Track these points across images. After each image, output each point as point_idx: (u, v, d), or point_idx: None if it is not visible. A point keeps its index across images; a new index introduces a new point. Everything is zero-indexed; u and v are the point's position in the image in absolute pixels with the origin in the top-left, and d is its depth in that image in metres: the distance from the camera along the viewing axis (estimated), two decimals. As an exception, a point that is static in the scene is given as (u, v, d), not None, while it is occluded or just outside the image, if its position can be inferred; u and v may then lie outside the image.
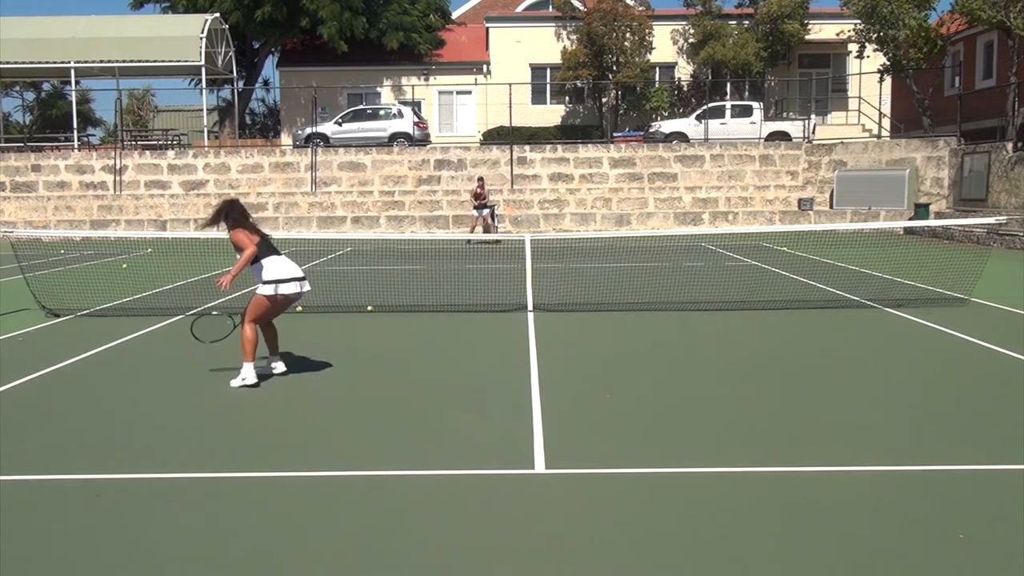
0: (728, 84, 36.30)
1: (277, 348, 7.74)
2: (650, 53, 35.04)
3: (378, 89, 37.46)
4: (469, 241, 20.81)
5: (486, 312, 11.26)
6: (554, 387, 7.21)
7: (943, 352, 8.87)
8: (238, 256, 7.38)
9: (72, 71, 32.56)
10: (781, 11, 34.01)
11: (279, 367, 7.67)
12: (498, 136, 32.43)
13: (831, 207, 27.79)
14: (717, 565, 3.96)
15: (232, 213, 7.49)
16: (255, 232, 7.49)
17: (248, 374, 7.34)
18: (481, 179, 25.45)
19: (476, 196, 24.21)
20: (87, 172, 29.85)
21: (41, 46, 31.96)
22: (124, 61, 31.88)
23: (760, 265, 16.76)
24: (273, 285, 7.32)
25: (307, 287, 7.51)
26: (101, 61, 31.97)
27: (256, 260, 7.35)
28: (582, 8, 35.93)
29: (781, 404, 6.77)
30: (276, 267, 7.37)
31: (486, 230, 23.44)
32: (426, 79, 37.08)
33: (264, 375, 7.52)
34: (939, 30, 29.05)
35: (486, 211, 23.97)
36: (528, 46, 37.05)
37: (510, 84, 31.78)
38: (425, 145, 31.37)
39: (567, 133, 34.61)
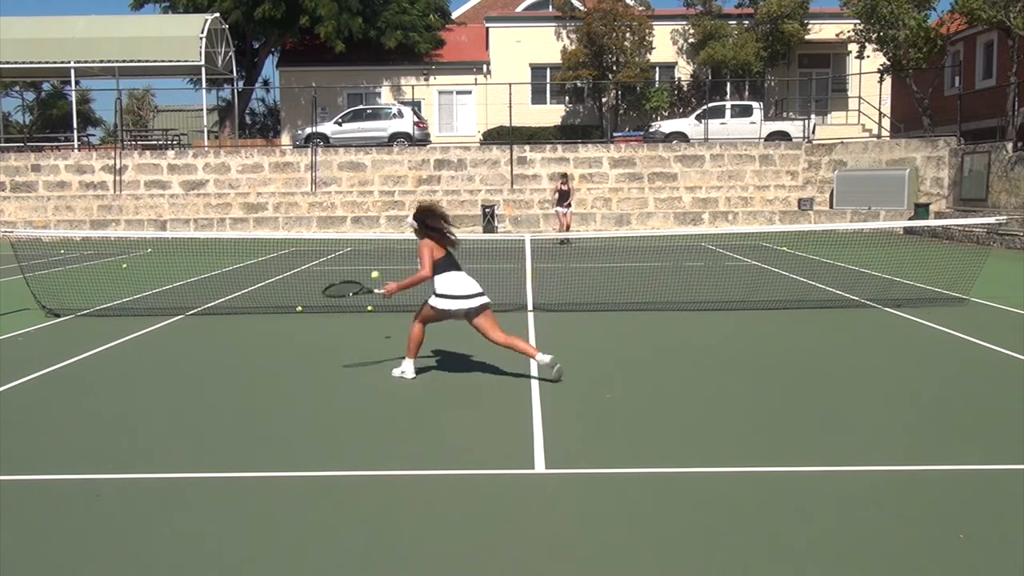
0: (728, 84, 36.30)
1: (531, 351, 7.51)
2: (650, 53, 35.05)
3: (378, 89, 37.48)
4: (562, 241, 20.54)
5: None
6: (554, 387, 7.20)
7: (942, 352, 8.86)
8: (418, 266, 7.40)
9: (72, 71, 32.57)
10: (781, 11, 34.02)
11: (553, 373, 7.39)
12: (498, 136, 32.43)
13: (831, 207, 27.79)
14: (717, 565, 3.96)
15: (425, 222, 7.37)
16: (443, 245, 7.40)
17: (408, 368, 7.63)
18: (564, 175, 24.43)
19: (560, 193, 23.37)
20: (87, 172, 29.86)
21: (41, 46, 31.96)
22: (124, 61, 31.90)
23: (760, 265, 16.76)
24: (442, 299, 7.35)
25: (474, 303, 7.32)
26: (101, 61, 31.98)
27: (434, 274, 7.37)
28: (582, 8, 35.94)
29: (781, 404, 6.77)
30: (450, 283, 7.35)
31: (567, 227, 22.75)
32: (426, 79, 37.08)
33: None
34: (939, 30, 29.05)
35: (568, 208, 23.27)
36: (528, 46, 37.05)
37: (510, 84, 31.78)
38: (425, 145, 31.37)
39: (567, 133, 34.60)
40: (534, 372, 7.77)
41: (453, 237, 7.47)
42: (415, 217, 7.45)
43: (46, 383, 7.65)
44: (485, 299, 7.42)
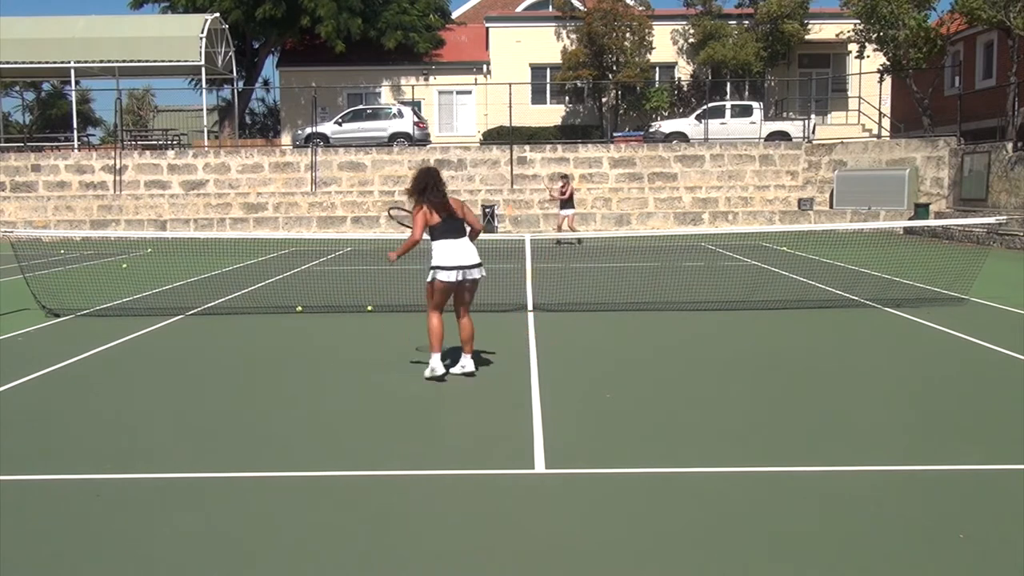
0: (728, 84, 36.30)
1: (467, 346, 7.47)
2: (650, 53, 35.04)
3: (378, 89, 37.47)
4: (559, 242, 20.26)
5: (486, 312, 11.24)
6: (554, 387, 7.20)
7: (942, 352, 8.87)
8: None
9: (72, 71, 32.56)
10: (781, 11, 34.01)
11: (466, 366, 7.42)
12: (498, 136, 32.42)
13: (831, 207, 27.79)
14: (717, 565, 3.95)
15: (420, 187, 7.17)
16: (439, 211, 7.16)
17: (435, 365, 7.27)
18: (565, 176, 23.78)
19: (561, 194, 22.71)
20: (87, 172, 29.85)
21: (41, 46, 31.95)
22: (124, 61, 31.88)
23: (760, 265, 16.76)
24: (432, 271, 7.19)
25: (473, 275, 7.22)
26: (101, 61, 31.97)
27: (433, 240, 7.20)
28: (582, 8, 35.93)
29: (780, 404, 6.77)
30: (441, 253, 7.16)
31: (569, 228, 22.34)
32: (426, 79, 37.07)
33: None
34: (939, 30, 29.05)
35: (571, 211, 22.73)
36: (528, 46, 37.04)
37: (510, 84, 31.78)
38: (425, 145, 31.37)
39: (567, 133, 34.59)
40: (534, 372, 7.78)
41: (444, 210, 7.19)
42: (412, 186, 7.23)
43: (46, 383, 7.65)
44: (479, 272, 7.30)
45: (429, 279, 7.26)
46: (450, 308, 7.51)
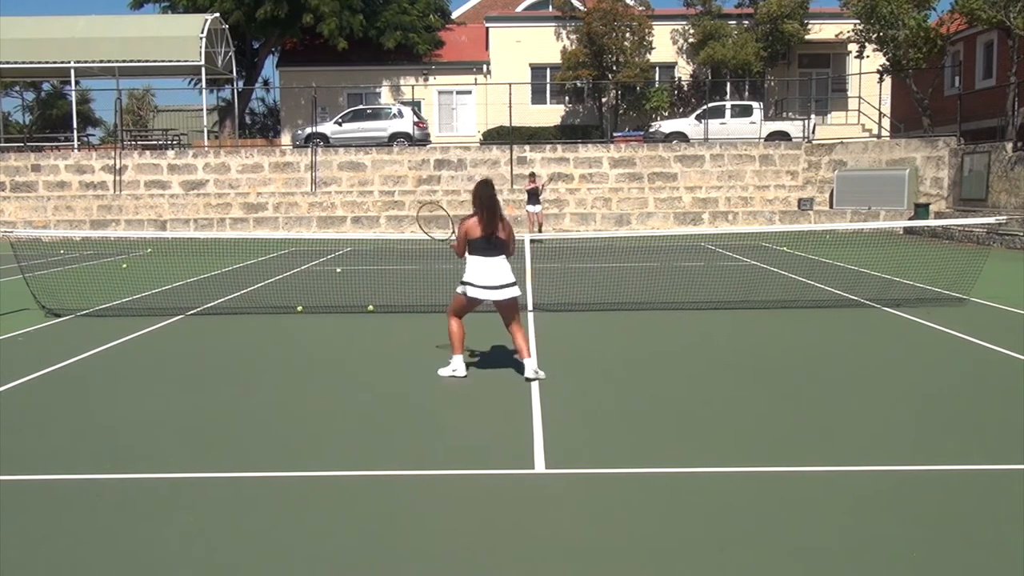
0: (728, 84, 36.31)
1: (524, 351, 7.43)
2: (650, 53, 35.06)
3: (378, 89, 37.48)
4: (541, 241, 20.47)
5: (486, 312, 11.23)
6: (554, 387, 7.20)
7: (942, 352, 8.86)
8: None
9: (72, 71, 32.58)
10: (781, 11, 34.03)
11: (528, 371, 7.35)
12: (498, 136, 32.43)
13: (831, 207, 27.80)
14: (717, 565, 3.95)
15: (486, 202, 7.27)
16: (483, 226, 7.25)
17: (457, 365, 7.51)
18: (533, 174, 24.45)
19: (529, 193, 23.19)
20: (87, 172, 29.87)
21: (41, 46, 31.98)
22: (124, 61, 31.92)
23: (760, 265, 16.76)
24: (463, 286, 7.39)
25: (504, 295, 7.31)
26: (101, 61, 31.99)
27: (469, 254, 7.37)
28: (582, 8, 35.95)
29: (780, 404, 6.76)
30: (473, 270, 7.33)
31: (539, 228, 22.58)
32: (426, 79, 37.09)
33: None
34: (939, 30, 29.06)
35: (537, 207, 22.92)
36: (528, 46, 37.05)
37: (510, 84, 31.78)
38: (425, 145, 31.38)
39: (567, 133, 34.60)
40: (528, 373, 7.78)
41: (488, 228, 7.25)
42: (476, 200, 7.34)
43: (46, 383, 7.65)
44: (509, 292, 7.36)
45: (459, 291, 7.44)
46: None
